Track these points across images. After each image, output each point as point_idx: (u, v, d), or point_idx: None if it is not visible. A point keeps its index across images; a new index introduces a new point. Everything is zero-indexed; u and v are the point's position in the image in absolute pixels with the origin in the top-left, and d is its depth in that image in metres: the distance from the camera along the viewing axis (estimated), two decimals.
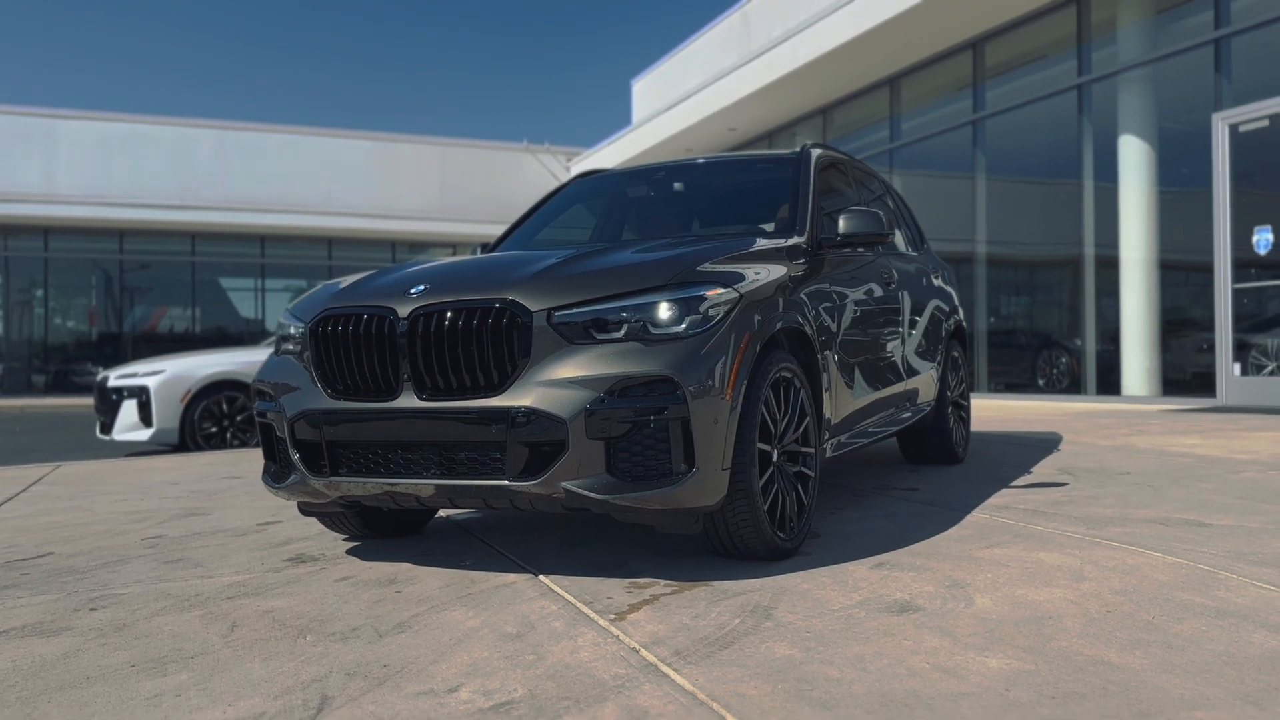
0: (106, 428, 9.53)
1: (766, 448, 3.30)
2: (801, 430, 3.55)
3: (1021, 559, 3.33)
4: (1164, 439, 7.16)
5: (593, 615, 2.78)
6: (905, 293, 5.05)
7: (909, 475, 5.41)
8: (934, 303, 5.62)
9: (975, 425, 8.63)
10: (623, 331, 3.00)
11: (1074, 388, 13.22)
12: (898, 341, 4.86)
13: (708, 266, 3.24)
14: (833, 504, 4.50)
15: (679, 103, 19.48)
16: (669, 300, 3.04)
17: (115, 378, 9.55)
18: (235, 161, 25.65)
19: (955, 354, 5.96)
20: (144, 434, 9.19)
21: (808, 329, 3.65)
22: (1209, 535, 3.66)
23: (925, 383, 5.34)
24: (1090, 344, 12.94)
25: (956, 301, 6.23)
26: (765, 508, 3.22)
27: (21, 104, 24.77)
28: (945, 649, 2.43)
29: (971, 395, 14.59)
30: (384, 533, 3.96)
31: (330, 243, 27.81)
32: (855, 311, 4.29)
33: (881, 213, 4.10)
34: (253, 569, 3.54)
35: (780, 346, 3.60)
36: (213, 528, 4.43)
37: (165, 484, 6.30)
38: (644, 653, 2.45)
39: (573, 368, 2.95)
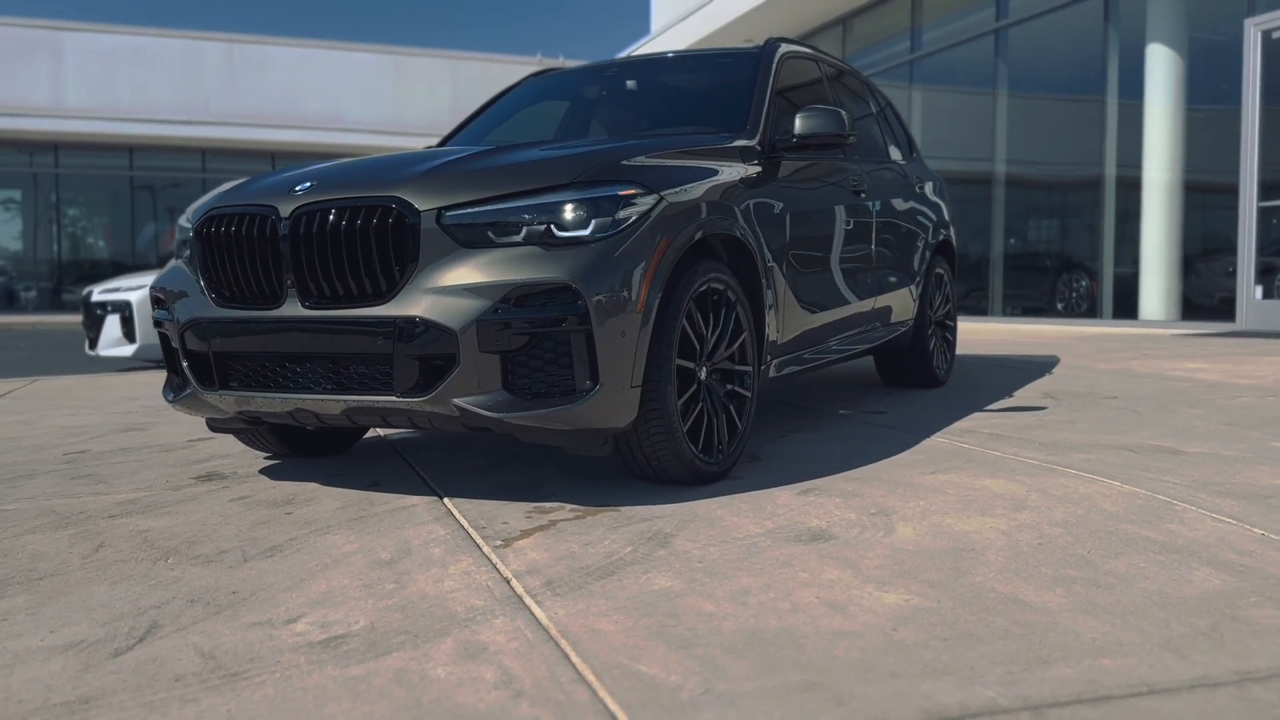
0: (93, 343, 9.42)
1: (689, 365, 3.05)
2: (737, 347, 3.29)
3: (963, 485, 3.08)
4: (1166, 363, 6.84)
5: (479, 541, 2.58)
6: (879, 203, 4.72)
7: (881, 398, 5.15)
8: (915, 215, 5.28)
9: (978, 349, 8.33)
10: (522, 235, 2.74)
11: (1091, 312, 12.83)
12: (866, 256, 4.56)
13: (625, 165, 2.96)
14: (787, 426, 4.26)
15: (696, 11, 18.87)
16: (574, 200, 2.77)
17: (99, 292, 9.40)
18: (243, 75, 25.25)
19: (940, 271, 5.64)
20: (128, 350, 9.06)
21: (748, 239, 3.37)
22: (1179, 463, 3.39)
23: (901, 301, 5.04)
24: (1108, 267, 12.51)
25: (946, 215, 5.88)
26: (685, 429, 2.98)
27: (26, 15, 24.40)
28: (842, 582, 2.20)
29: (986, 319, 14.28)
30: (305, 451, 3.76)
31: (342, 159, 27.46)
32: (813, 222, 3.99)
33: (844, 113, 3.78)
34: (154, 487, 3.36)
35: (715, 256, 3.33)
36: (142, 444, 4.27)
37: (124, 399, 6.16)
38: (514, 583, 2.24)
39: (465, 274, 2.70)
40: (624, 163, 2.95)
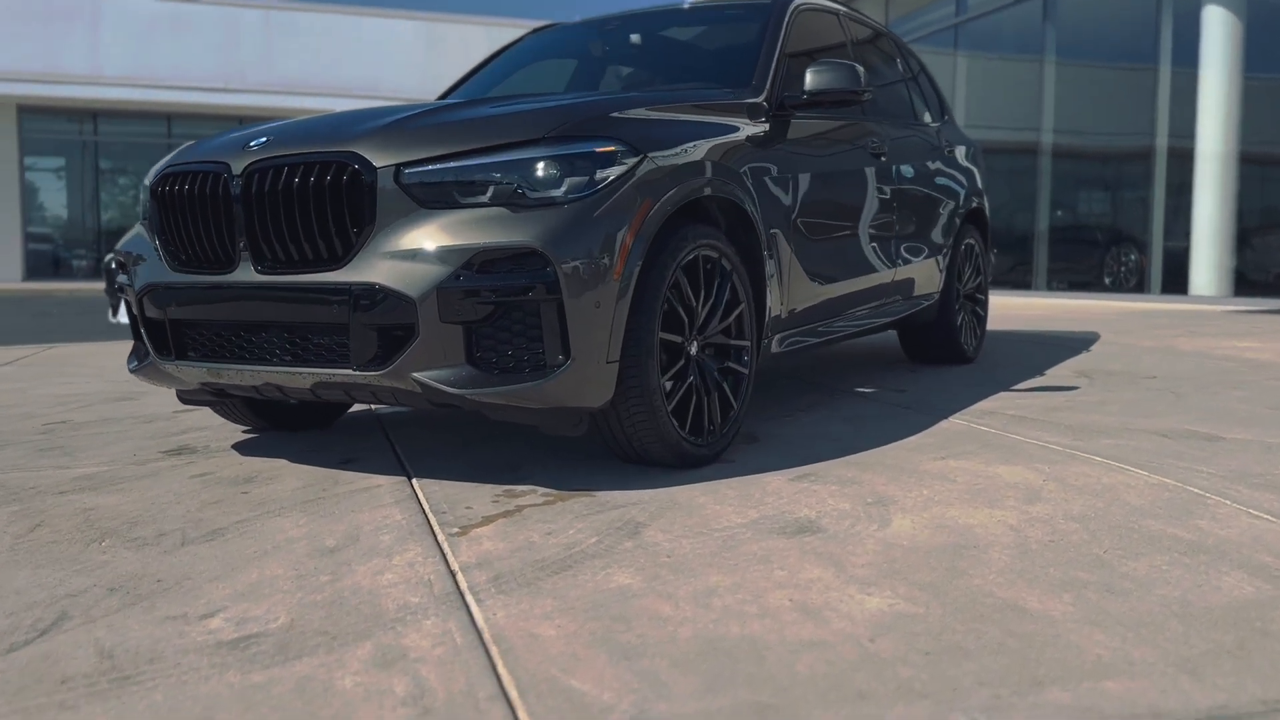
0: (114, 310, 9.35)
1: (677, 339, 2.82)
2: (733, 320, 3.05)
3: (974, 473, 2.83)
4: (1213, 340, 6.47)
5: (435, 527, 2.38)
6: (901, 168, 4.43)
7: (902, 376, 4.88)
8: (943, 182, 4.98)
9: (1016, 324, 8.00)
10: (489, 194, 2.51)
11: (1140, 287, 12.38)
12: (886, 224, 4.28)
13: (605, 119, 2.72)
14: (797, 404, 4.02)
15: None
16: (546, 157, 2.54)
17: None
18: (280, 43, 25.17)
19: (971, 242, 5.33)
20: None
21: (747, 204, 3.11)
22: (1216, 451, 3.11)
23: (925, 272, 4.76)
24: (1158, 241, 12.04)
25: (979, 183, 5.56)
26: (670, 408, 2.75)
27: None
28: (822, 582, 1.97)
29: (1030, 293, 13.82)
30: (283, 424, 3.59)
31: None
32: (825, 186, 3.73)
33: (860, 68, 3.49)
34: (119, 461, 3.21)
35: (710, 222, 3.08)
36: (127, 414, 4.12)
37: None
38: (459, 577, 2.04)
39: (426, 237, 2.49)
40: (603, 117, 2.71)
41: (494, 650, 1.68)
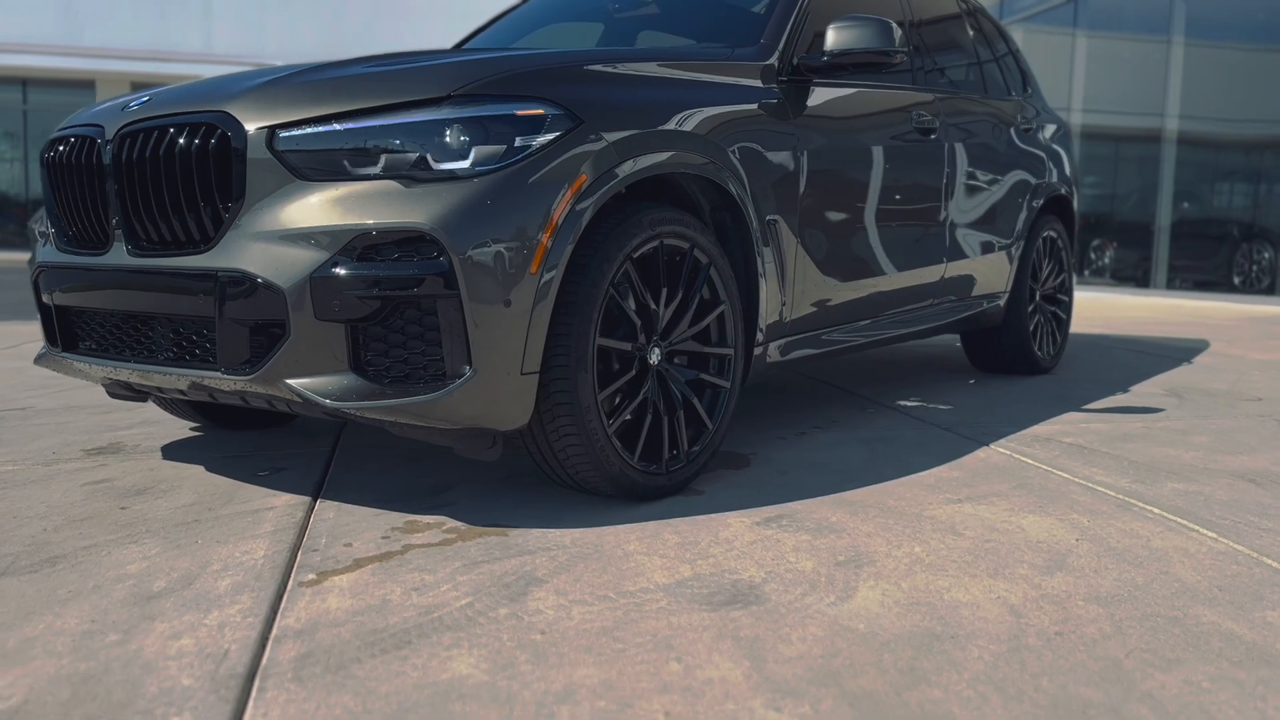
0: None
1: (625, 346, 2.33)
2: (711, 323, 2.55)
3: (990, 524, 2.27)
4: None
5: (293, 571, 1.96)
6: (958, 145, 3.82)
7: (957, 387, 4.27)
8: (1016, 164, 4.33)
9: (1115, 327, 7.22)
10: (380, 165, 2.07)
11: (1273, 289, 11.29)
12: (933, 211, 3.69)
13: (531, 76, 2.23)
14: (814, 418, 3.47)
15: None
16: (451, 120, 2.08)
17: None
18: (386, 21, 25.29)
19: (1051, 234, 4.67)
20: None
21: (731, 184, 2.60)
22: None
23: (988, 268, 4.14)
24: None
25: (1067, 167, 4.87)
26: (613, 429, 2.27)
27: None
28: (722, 687, 1.48)
29: (1147, 292, 12.73)
30: (232, 423, 3.22)
31: None
32: (848, 165, 3.17)
33: (894, 24, 2.93)
34: (31, 459, 2.89)
35: (683, 205, 2.59)
36: (78, 403, 3.80)
37: None
38: (267, 650, 1.61)
39: (300, 215, 2.06)
40: (530, 73, 2.23)
41: None
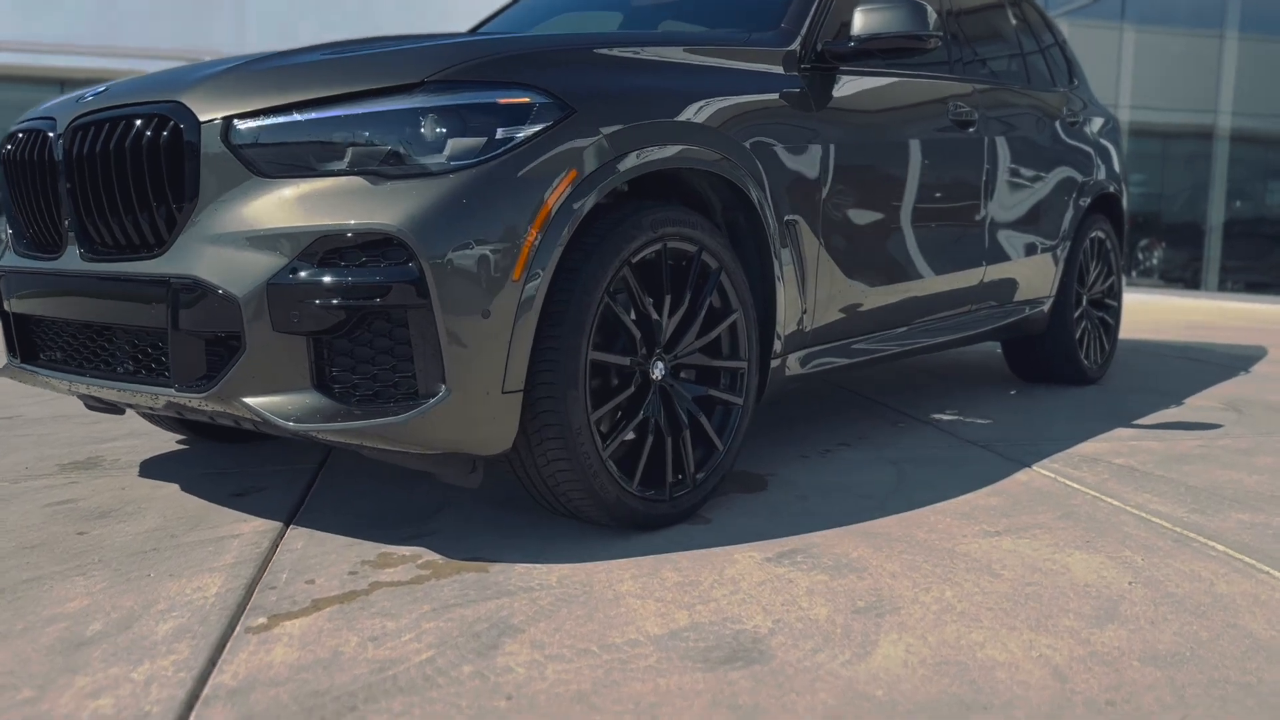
0: None
1: (624, 361, 2.11)
2: (722, 334, 2.32)
3: (1032, 563, 2.02)
4: None
5: (245, 612, 1.75)
6: (999, 140, 3.56)
7: (999, 399, 4.00)
8: (1063, 159, 4.05)
9: (1166, 332, 6.89)
10: (346, 159, 1.86)
11: None
12: (971, 210, 3.42)
13: (516, 60, 2.00)
14: (840, 434, 3.22)
15: None
16: (424, 109, 1.86)
17: None
18: (421, 27, 25.28)
19: (1099, 234, 4.38)
20: None
21: (747, 181, 2.36)
22: None
23: (1031, 271, 3.86)
24: None
25: (1116, 164, 4.58)
26: (609, 453, 2.05)
27: None
28: None
29: (1198, 294, 12.28)
30: (218, 435, 3.04)
31: None
32: (876, 160, 2.92)
33: (928, 7, 2.68)
34: (9, 473, 2.72)
35: (692, 204, 2.37)
36: (67, 412, 3.63)
37: None
38: (197, 712, 1.40)
39: (258, 216, 1.85)
40: (514, 57, 2.00)
41: None
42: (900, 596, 1.83)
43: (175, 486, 2.60)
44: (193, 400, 1.93)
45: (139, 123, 1.96)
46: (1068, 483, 2.66)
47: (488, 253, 1.82)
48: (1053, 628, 1.71)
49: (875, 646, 1.63)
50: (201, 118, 1.89)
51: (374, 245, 1.79)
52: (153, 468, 2.80)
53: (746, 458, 2.85)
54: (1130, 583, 1.92)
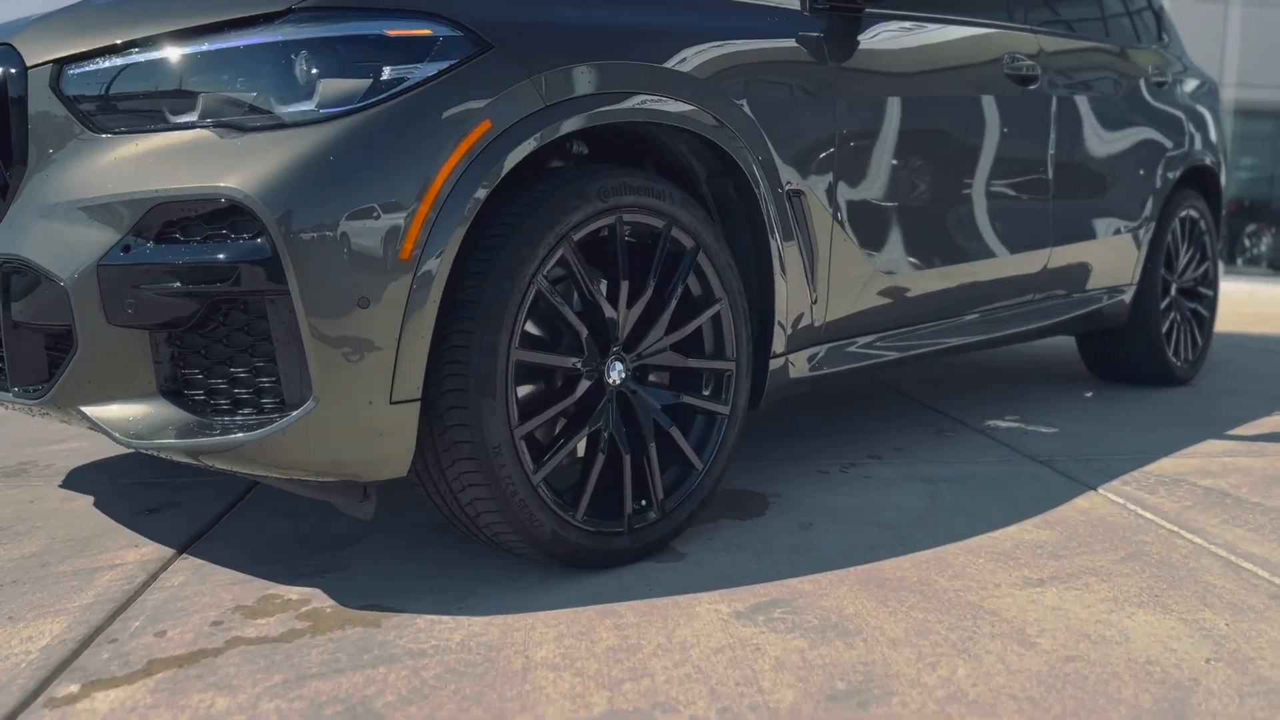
0: None
1: (566, 363, 1.70)
2: (702, 328, 1.90)
3: (1080, 626, 1.56)
4: None
5: (54, 677, 1.40)
6: (1066, 99, 3.04)
7: (1069, 402, 3.48)
8: (1147, 126, 3.51)
9: (1274, 325, 6.21)
10: (197, 110, 1.49)
11: None
12: (1032, 183, 2.92)
13: None
14: (876, 444, 2.76)
15: None
16: (289, 42, 1.48)
17: None
18: None
19: (1191, 213, 3.82)
20: None
21: (735, 142, 1.93)
22: None
23: (1109, 255, 3.34)
24: None
25: (1212, 132, 4.00)
26: (539, 476, 1.65)
27: None
28: None
29: None
30: None
31: None
32: (908, 120, 2.45)
33: None
34: None
35: (670, 170, 1.94)
36: None
37: None
38: None
39: (90, 181, 1.50)
40: None
41: None
42: (896, 675, 1.40)
43: (88, 500, 2.27)
44: (31, 407, 1.59)
45: None
46: (1139, 511, 2.17)
47: (366, 225, 1.43)
48: None
49: None
50: (29, 61, 1.55)
51: (219, 216, 1.42)
52: (78, 477, 2.49)
53: (751, 472, 2.42)
54: (1209, 660, 1.45)
